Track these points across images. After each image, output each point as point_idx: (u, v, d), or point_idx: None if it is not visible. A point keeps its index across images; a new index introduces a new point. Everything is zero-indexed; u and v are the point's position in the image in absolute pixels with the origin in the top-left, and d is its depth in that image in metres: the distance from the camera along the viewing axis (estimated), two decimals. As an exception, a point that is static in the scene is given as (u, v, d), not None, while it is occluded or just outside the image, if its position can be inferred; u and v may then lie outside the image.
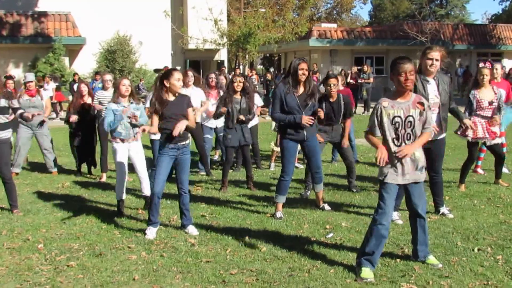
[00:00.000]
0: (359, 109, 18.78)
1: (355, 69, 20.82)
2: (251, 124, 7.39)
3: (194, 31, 22.64)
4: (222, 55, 26.62)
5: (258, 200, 6.26)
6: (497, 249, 4.37)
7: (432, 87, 5.07)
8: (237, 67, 23.63)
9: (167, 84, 4.87)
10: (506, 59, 31.29)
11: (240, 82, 6.80)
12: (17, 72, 21.14)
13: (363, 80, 19.06)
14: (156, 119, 4.92)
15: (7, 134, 5.83)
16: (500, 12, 45.39)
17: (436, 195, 5.46)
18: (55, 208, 6.03)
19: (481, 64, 6.59)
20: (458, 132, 6.46)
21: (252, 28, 20.63)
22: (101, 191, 6.98)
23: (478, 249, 4.37)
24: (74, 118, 7.78)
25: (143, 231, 5.00)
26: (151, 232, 4.91)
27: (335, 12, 44.10)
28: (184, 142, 4.98)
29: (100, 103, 7.57)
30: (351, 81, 19.02)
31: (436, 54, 5.00)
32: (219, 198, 6.42)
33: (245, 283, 3.78)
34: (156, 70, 7.27)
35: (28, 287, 3.81)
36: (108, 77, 7.69)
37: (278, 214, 5.44)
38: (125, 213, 5.76)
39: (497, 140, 6.58)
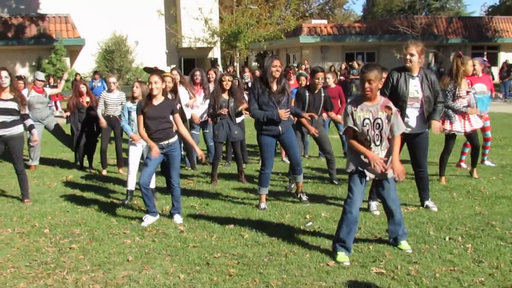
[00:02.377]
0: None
1: (344, 65, 21.02)
2: (239, 119, 7.66)
3: (187, 30, 23.06)
4: (215, 53, 27.00)
5: (245, 192, 6.59)
6: (468, 239, 4.60)
7: (414, 82, 5.27)
8: (230, 64, 23.95)
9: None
10: (503, 52, 31.05)
11: (228, 81, 7.07)
12: (23, 71, 21.69)
13: (353, 76, 19.30)
14: (141, 120, 5.19)
15: (18, 129, 6.16)
16: (498, 3, 45.16)
17: (422, 189, 5.64)
18: (60, 199, 6.48)
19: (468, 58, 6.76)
20: None
21: (241, 26, 20.96)
22: (101, 183, 7.39)
23: (449, 238, 4.61)
24: (68, 113, 8.33)
25: (138, 219, 5.38)
26: (147, 220, 5.22)
27: (327, 7, 44.16)
28: (167, 141, 5.21)
29: (105, 103, 7.92)
30: (341, 77, 19.26)
31: (411, 49, 5.17)
32: (208, 191, 6.73)
33: (226, 265, 4.09)
34: (145, 69, 7.55)
35: (36, 266, 4.23)
36: (113, 79, 7.98)
37: (262, 205, 5.72)
38: (129, 204, 6.08)
39: (476, 126, 6.76)
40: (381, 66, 4.33)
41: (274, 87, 5.56)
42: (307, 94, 6.57)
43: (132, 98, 6.17)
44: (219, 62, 26.78)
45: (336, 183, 6.86)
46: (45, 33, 23.62)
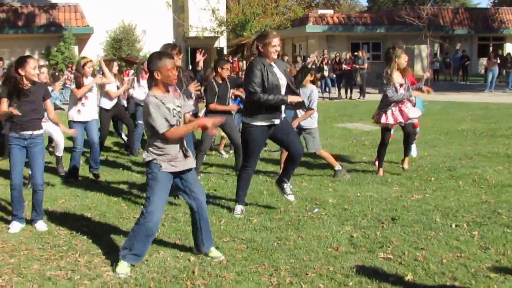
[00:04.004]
0: (355, 94, 19.05)
1: (349, 55, 20.95)
2: None
3: (194, 20, 23.12)
4: (222, 42, 27.00)
5: (253, 178, 6.58)
6: (474, 226, 4.64)
7: (277, 70, 4.92)
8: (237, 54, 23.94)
9: (22, 73, 4.62)
10: (509, 43, 30.95)
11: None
12: None
13: (357, 66, 19.26)
14: (5, 103, 4.66)
15: None
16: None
17: (286, 171, 5.16)
18: (70, 183, 6.55)
19: (399, 49, 6.68)
20: (375, 118, 6.74)
21: (248, 15, 20.99)
22: (110, 169, 7.46)
23: (456, 225, 4.66)
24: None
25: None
26: (14, 227, 4.72)
27: (333, -3, 44.01)
28: (32, 132, 4.71)
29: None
30: (346, 66, 19.21)
31: (277, 40, 4.83)
32: (216, 176, 6.77)
33: (235, 249, 4.15)
34: (124, 59, 7.79)
35: (49, 248, 4.32)
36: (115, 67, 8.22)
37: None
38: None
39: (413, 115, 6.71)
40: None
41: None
42: (214, 84, 6.58)
43: None
44: (225, 51, 26.77)
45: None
46: (54, 22, 23.90)
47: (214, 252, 4.03)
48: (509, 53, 22.42)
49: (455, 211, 5.10)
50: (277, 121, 4.93)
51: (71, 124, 6.58)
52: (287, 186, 5.18)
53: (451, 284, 3.51)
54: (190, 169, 3.94)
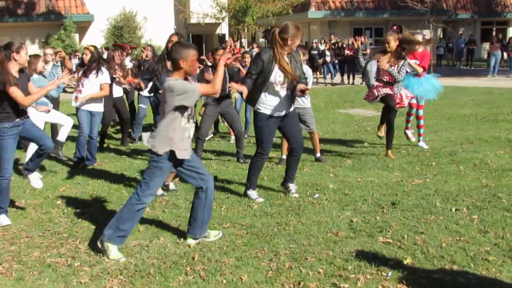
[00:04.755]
0: (357, 80, 18.96)
1: (352, 39, 20.79)
2: None
3: (195, 6, 22.94)
4: (223, 29, 26.84)
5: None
6: (474, 210, 4.64)
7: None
8: (237, 40, 23.85)
9: (16, 58, 4.66)
10: (512, 27, 30.79)
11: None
12: (33, 48, 21.82)
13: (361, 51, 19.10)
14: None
15: None
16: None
17: (290, 168, 5.24)
18: (71, 171, 6.58)
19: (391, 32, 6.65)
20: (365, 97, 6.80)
21: (249, 1, 20.81)
22: (111, 156, 7.49)
23: (456, 210, 4.66)
24: None
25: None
26: (4, 220, 4.61)
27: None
28: (24, 118, 4.74)
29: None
30: (348, 52, 19.06)
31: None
32: (217, 163, 6.78)
33: (235, 235, 4.17)
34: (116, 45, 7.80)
35: (49, 235, 4.33)
36: (49, 51, 7.91)
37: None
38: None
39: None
40: None
41: None
42: (210, 70, 6.60)
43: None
44: (227, 38, 26.64)
45: (242, 161, 6.75)
46: (54, 10, 23.72)
47: (212, 232, 4.12)
48: (511, 37, 22.20)
49: (455, 195, 5.10)
50: (282, 113, 4.96)
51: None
52: (293, 187, 5.23)
53: (450, 267, 3.53)
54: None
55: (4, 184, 4.60)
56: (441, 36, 28.15)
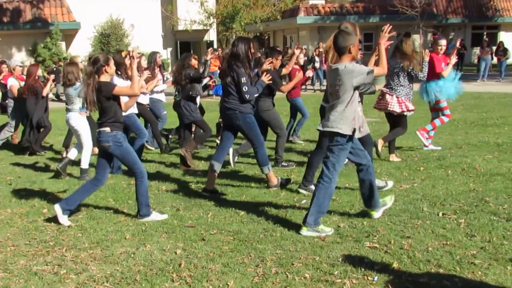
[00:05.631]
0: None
1: None
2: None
3: (182, 13, 22.98)
4: (211, 35, 26.88)
5: (241, 171, 6.64)
6: (461, 214, 4.66)
7: None
8: (226, 46, 23.84)
9: (108, 70, 4.79)
10: (503, 31, 30.82)
11: (196, 59, 7.38)
12: (19, 56, 21.71)
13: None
14: None
15: None
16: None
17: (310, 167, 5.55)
18: (57, 180, 6.53)
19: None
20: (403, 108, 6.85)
21: (237, 7, 20.82)
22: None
23: (443, 214, 4.68)
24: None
25: (134, 199, 5.34)
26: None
27: (324, -13, 43.77)
28: None
29: None
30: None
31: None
32: (204, 170, 6.76)
33: (222, 241, 4.16)
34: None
35: (35, 244, 4.31)
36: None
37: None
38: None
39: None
40: None
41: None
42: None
43: None
44: (215, 44, 26.63)
45: (286, 164, 6.81)
46: (40, 17, 23.58)
47: (386, 198, 4.70)
48: (501, 41, 22.36)
49: (442, 199, 5.12)
50: None
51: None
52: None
53: (436, 271, 3.53)
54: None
55: (145, 183, 4.76)
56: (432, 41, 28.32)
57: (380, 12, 27.98)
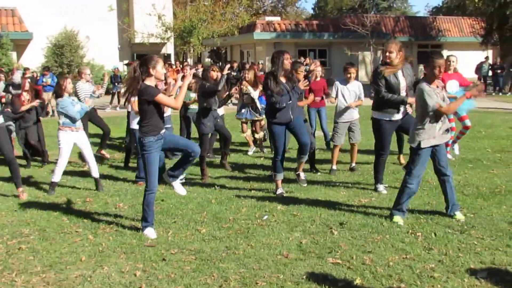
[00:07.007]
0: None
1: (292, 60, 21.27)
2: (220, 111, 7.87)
3: (139, 26, 22.77)
4: (169, 49, 26.74)
5: (201, 187, 6.54)
6: (418, 227, 4.78)
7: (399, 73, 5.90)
8: (185, 60, 23.76)
9: (153, 73, 4.81)
10: (446, 50, 32.48)
11: (216, 71, 7.36)
12: None
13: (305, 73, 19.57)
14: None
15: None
16: (441, 4, 47.43)
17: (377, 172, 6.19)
18: (6, 198, 6.19)
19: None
20: None
21: (195, 21, 20.88)
22: (49, 180, 7.04)
23: (401, 228, 4.78)
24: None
25: (90, 218, 5.23)
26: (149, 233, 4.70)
27: (280, 5, 44.75)
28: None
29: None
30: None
31: (390, 47, 5.80)
32: (163, 187, 6.59)
33: (184, 261, 4.06)
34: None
35: (-20, 269, 4.01)
36: (88, 71, 8.45)
37: (279, 191, 6.06)
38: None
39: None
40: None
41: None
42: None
43: None
44: (172, 58, 26.46)
45: (316, 172, 7.22)
46: (-11, 27, 22.71)
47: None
48: (446, 57, 23.44)
49: (400, 213, 5.21)
50: (397, 117, 5.91)
51: None
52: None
53: (398, 286, 3.58)
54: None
55: (151, 198, 4.66)
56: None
57: (333, 30, 28.85)
